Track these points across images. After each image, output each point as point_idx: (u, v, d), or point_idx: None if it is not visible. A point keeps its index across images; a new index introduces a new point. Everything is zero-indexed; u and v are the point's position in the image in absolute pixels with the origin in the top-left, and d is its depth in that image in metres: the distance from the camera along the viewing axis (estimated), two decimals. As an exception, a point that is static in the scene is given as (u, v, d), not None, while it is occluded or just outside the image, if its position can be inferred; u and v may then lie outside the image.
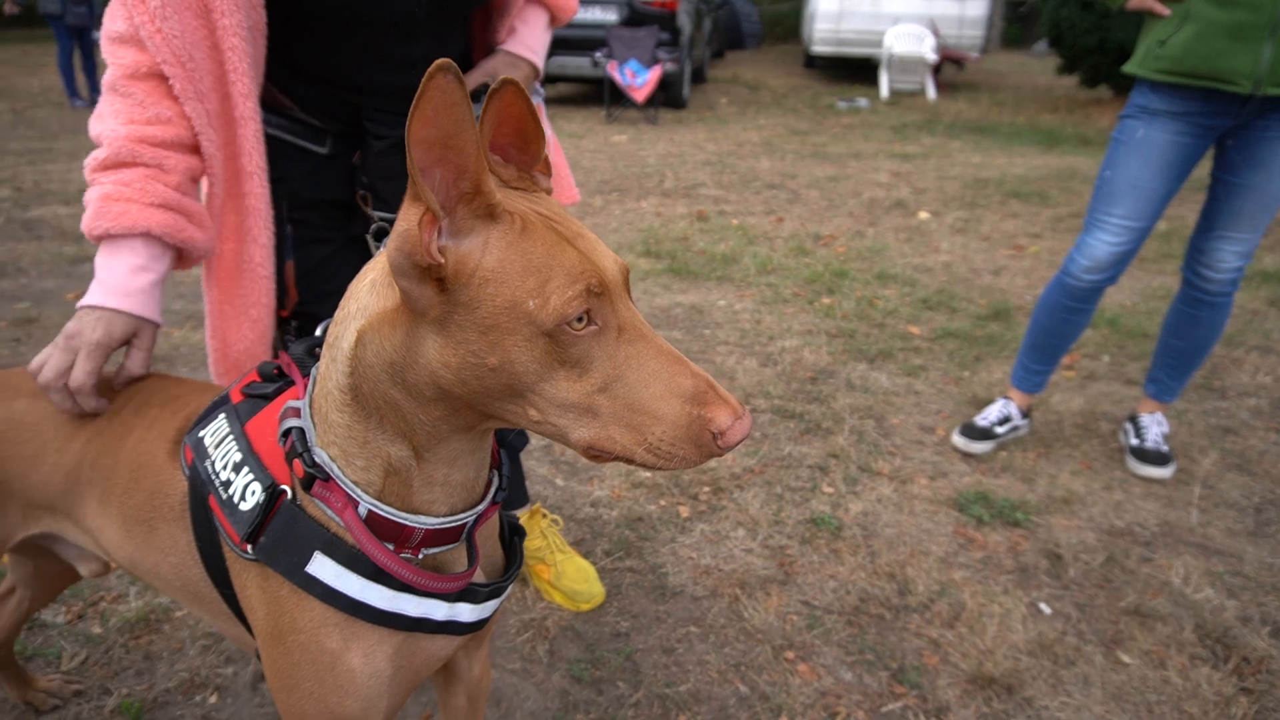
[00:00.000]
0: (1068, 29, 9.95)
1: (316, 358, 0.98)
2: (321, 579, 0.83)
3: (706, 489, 2.40)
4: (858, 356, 3.32)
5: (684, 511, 2.29)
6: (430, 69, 0.60)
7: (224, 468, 0.89)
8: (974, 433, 2.65)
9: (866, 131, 8.90)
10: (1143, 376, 3.15)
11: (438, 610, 0.88)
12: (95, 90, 9.14)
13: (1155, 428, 2.59)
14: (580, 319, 0.69)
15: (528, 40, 1.38)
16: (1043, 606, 1.97)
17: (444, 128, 0.62)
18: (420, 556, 0.85)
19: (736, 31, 18.36)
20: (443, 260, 0.68)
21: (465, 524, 0.86)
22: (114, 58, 1.08)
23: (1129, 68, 2.27)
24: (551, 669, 1.75)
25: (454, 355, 0.70)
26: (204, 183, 1.19)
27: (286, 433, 0.85)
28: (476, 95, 1.31)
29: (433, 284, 0.69)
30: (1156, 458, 2.51)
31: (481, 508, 0.88)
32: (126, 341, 1.07)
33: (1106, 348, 3.45)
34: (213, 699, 1.66)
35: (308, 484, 0.83)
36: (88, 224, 1.07)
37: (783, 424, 2.77)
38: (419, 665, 0.93)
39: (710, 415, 0.70)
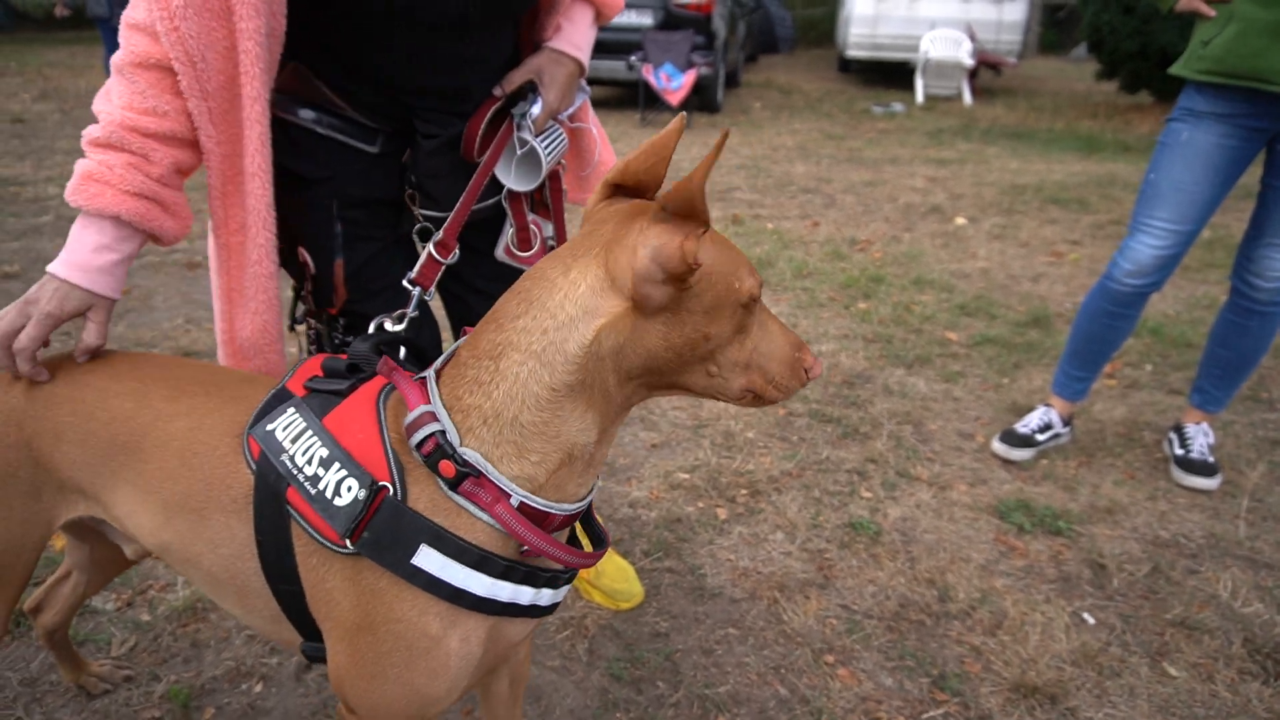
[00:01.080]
0: (1109, 34, 9.83)
1: (380, 354, 1.01)
2: (427, 569, 0.87)
3: (744, 491, 2.39)
4: (895, 362, 3.30)
5: (722, 513, 2.29)
6: (723, 133, 0.80)
7: (308, 462, 0.90)
8: (1014, 439, 2.63)
9: (902, 136, 8.84)
10: (1186, 386, 3.11)
11: (524, 595, 0.92)
12: (140, 91, 9.32)
13: (1201, 438, 2.55)
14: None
15: (573, 38, 1.39)
16: (1086, 616, 1.94)
17: (705, 172, 0.79)
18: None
19: (770, 35, 18.32)
20: (700, 264, 0.83)
21: (583, 509, 0.95)
22: (127, 42, 1.10)
23: (1174, 69, 2.24)
24: (591, 667, 1.76)
25: (679, 335, 0.87)
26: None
27: (425, 439, 0.88)
28: (523, 93, 1.33)
29: (675, 285, 0.83)
30: (1203, 468, 2.47)
31: (591, 495, 0.97)
32: (80, 314, 1.09)
33: (1149, 357, 3.40)
34: (258, 688, 1.69)
35: (455, 483, 0.87)
36: (68, 193, 1.09)
37: (820, 428, 2.76)
38: (501, 648, 0.98)
39: (803, 356, 0.96)
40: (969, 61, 11.55)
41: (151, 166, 1.10)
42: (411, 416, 0.89)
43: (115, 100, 1.09)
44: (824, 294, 4.04)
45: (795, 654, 1.81)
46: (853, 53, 13.00)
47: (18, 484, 1.08)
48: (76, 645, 1.75)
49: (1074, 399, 2.67)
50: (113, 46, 8.92)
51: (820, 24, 21.29)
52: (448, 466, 0.87)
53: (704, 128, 9.04)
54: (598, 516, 1.06)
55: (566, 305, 0.85)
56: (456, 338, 1.62)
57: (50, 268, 1.08)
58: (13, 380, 1.09)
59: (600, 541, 1.04)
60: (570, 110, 1.43)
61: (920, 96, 11.61)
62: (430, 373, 0.94)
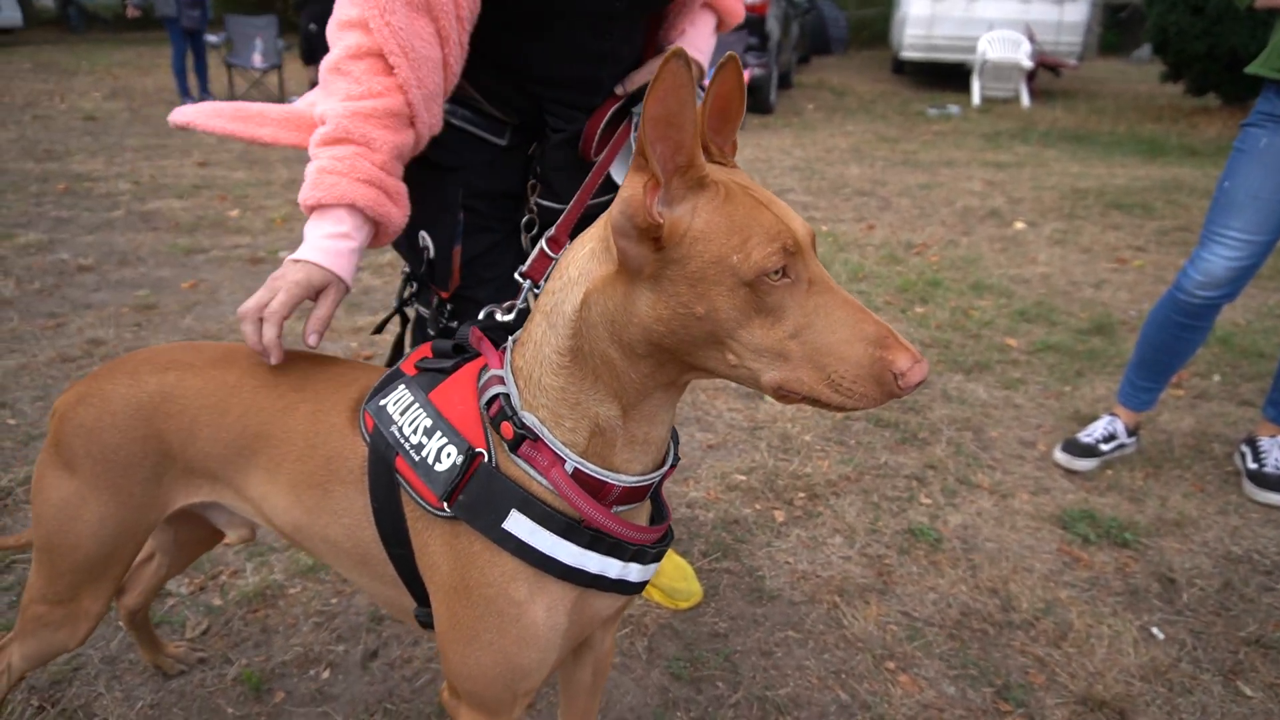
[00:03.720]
0: (1175, 35, 9.58)
1: (491, 337, 1.04)
2: (516, 534, 0.89)
3: (802, 494, 2.38)
4: (954, 367, 3.26)
5: (779, 516, 2.29)
6: (666, 54, 0.67)
7: (413, 432, 0.95)
8: (1078, 449, 2.58)
9: (958, 139, 8.71)
10: (1257, 397, 3.02)
11: (612, 568, 0.94)
12: (205, 90, 9.58)
13: (1276, 452, 2.47)
14: (777, 272, 0.77)
15: (696, 42, 1.41)
16: (1155, 631, 1.90)
17: (670, 107, 0.71)
18: (613, 512, 0.93)
19: (823, 36, 18.16)
20: (661, 221, 0.77)
21: (653, 483, 0.94)
22: (338, 40, 1.15)
23: (1252, 68, 2.17)
24: (650, 665, 1.77)
25: (665, 307, 0.79)
26: None
27: (492, 400, 0.91)
28: (643, 93, 1.34)
29: (650, 244, 0.78)
30: (1278, 483, 2.39)
31: (666, 468, 0.97)
32: (319, 292, 1.13)
33: (1218, 366, 3.31)
34: (325, 674, 1.73)
35: (515, 445, 0.89)
36: (303, 195, 1.13)
37: (878, 432, 2.74)
38: (586, 622, 1.00)
39: (892, 357, 0.77)
40: (1028, 63, 11.34)
41: (375, 154, 1.14)
42: (482, 380, 0.93)
43: (333, 98, 1.15)
44: (880, 298, 4.00)
45: (855, 659, 1.80)
46: (908, 54, 12.84)
47: (140, 472, 1.13)
48: (153, 627, 1.81)
49: (1140, 409, 2.61)
50: (180, 46, 9.17)
51: (873, 24, 21.05)
52: (507, 428, 0.90)
53: (756, 129, 9.01)
54: (664, 497, 1.06)
55: (570, 268, 0.86)
56: None
57: (291, 256, 1.13)
58: (147, 375, 1.13)
59: (661, 518, 1.04)
60: None
61: (977, 98, 11.42)
62: (510, 340, 0.97)
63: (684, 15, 1.38)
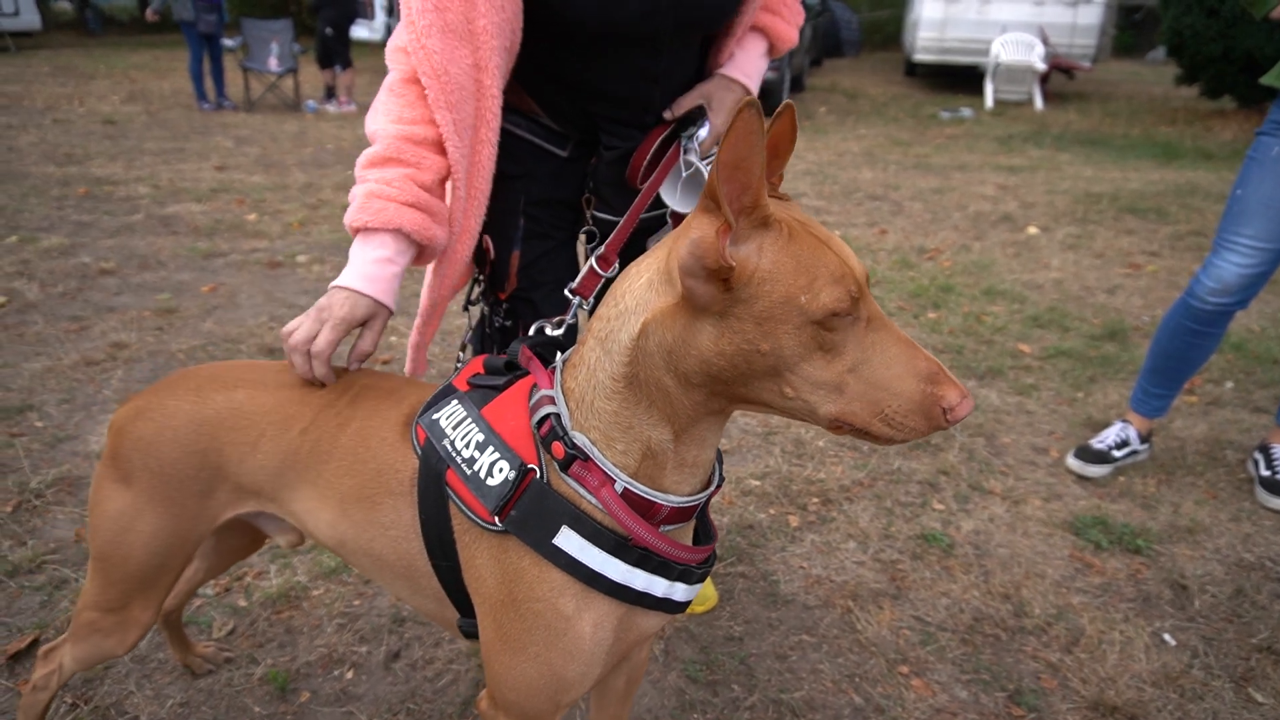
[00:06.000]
0: (1190, 37, 9.54)
1: (538, 353, 1.07)
2: (567, 550, 0.92)
3: (815, 500, 2.41)
4: (966, 373, 3.27)
5: (793, 521, 2.31)
6: (740, 104, 0.71)
7: (466, 446, 0.97)
8: (1090, 455, 2.59)
9: (971, 142, 8.71)
10: (1271, 404, 3.02)
11: (658, 586, 0.96)
12: (221, 94, 9.66)
13: (1289, 459, 2.48)
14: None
15: (744, 66, 1.44)
16: (1167, 637, 1.92)
17: (740, 154, 0.73)
18: (660, 531, 0.95)
19: (835, 39, 18.15)
20: (734, 264, 0.78)
21: (700, 503, 0.96)
22: (394, 64, 1.19)
23: (1267, 79, 2.19)
24: (667, 668, 1.80)
25: (729, 343, 0.82)
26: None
27: (544, 419, 0.93)
28: (693, 118, 1.37)
29: (718, 284, 0.79)
30: (1291, 490, 2.41)
31: (712, 488, 0.99)
32: (364, 322, 1.18)
33: (1231, 373, 3.31)
34: (349, 675, 1.76)
35: (566, 464, 0.91)
36: (350, 218, 1.17)
37: (890, 438, 2.76)
38: (631, 639, 1.02)
39: (942, 393, 0.81)
40: (1041, 66, 11.32)
41: (423, 175, 1.18)
42: (534, 400, 0.96)
43: (385, 117, 1.18)
44: (893, 303, 4.02)
45: (869, 663, 1.83)
46: (920, 56, 12.83)
47: (195, 484, 1.16)
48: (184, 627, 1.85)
49: (1153, 416, 2.62)
50: (196, 50, 9.26)
51: (886, 26, 21.03)
52: (558, 448, 0.92)
53: (768, 132, 9.01)
54: (710, 517, 1.09)
55: (626, 296, 0.88)
56: None
57: (337, 281, 1.17)
58: (213, 392, 1.17)
59: (708, 537, 1.07)
60: None
61: (990, 101, 11.41)
62: (559, 360, 0.99)
63: (733, 38, 1.41)
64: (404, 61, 1.18)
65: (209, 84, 9.60)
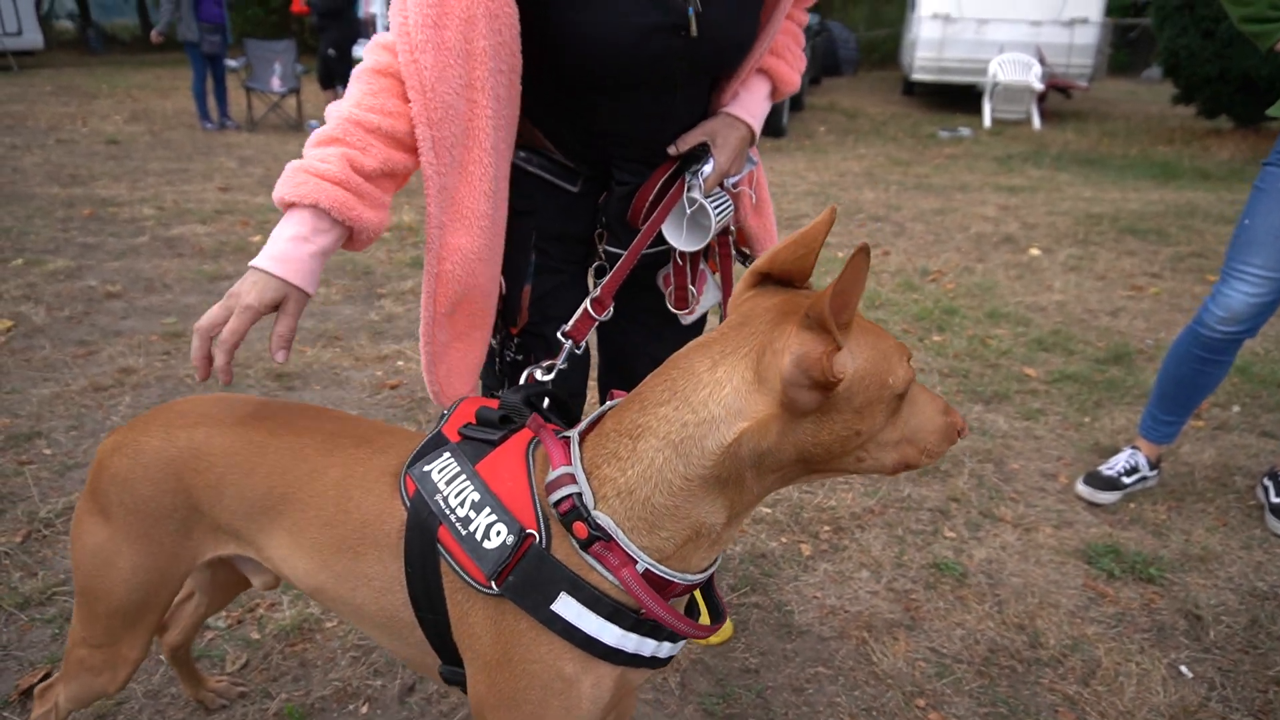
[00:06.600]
0: (1186, 58, 9.63)
1: (532, 406, 1.06)
2: (564, 617, 0.92)
3: (827, 528, 2.41)
4: (973, 397, 3.28)
5: (805, 550, 2.31)
6: (857, 248, 0.79)
7: (460, 504, 0.96)
8: (1099, 482, 2.59)
9: (970, 162, 8.75)
10: (1278, 428, 3.03)
11: (648, 647, 0.96)
12: (225, 114, 9.70)
13: (1299, 486, 2.49)
14: None
15: (749, 106, 1.44)
16: (1183, 669, 1.91)
17: (849, 284, 0.80)
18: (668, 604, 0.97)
19: (833, 58, 18.29)
20: (843, 378, 0.85)
21: (709, 575, 0.98)
22: (372, 55, 1.17)
23: (1274, 110, 2.21)
24: (684, 701, 1.79)
25: (828, 434, 0.89)
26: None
27: (565, 497, 0.93)
28: (696, 155, 1.38)
29: (822, 391, 0.85)
30: (1302, 518, 2.41)
31: (718, 560, 1.00)
32: (276, 306, 1.12)
33: (1237, 397, 3.32)
34: (364, 709, 1.76)
35: (587, 544, 0.91)
36: (276, 191, 1.13)
37: (900, 464, 2.76)
38: (622, 693, 1.03)
39: (954, 420, 0.99)
40: (1039, 85, 11.40)
41: (365, 160, 1.14)
42: (553, 476, 0.94)
43: (346, 101, 1.16)
44: (897, 326, 4.03)
45: (886, 696, 1.82)
46: (918, 76, 12.93)
47: (171, 524, 1.16)
48: (194, 661, 1.84)
49: (1162, 442, 2.63)
50: (200, 70, 9.31)
51: (883, 45, 21.19)
52: (581, 528, 0.91)
53: (770, 153, 9.07)
54: (718, 590, 1.10)
55: (710, 403, 0.88)
56: (603, 384, 1.68)
57: (252, 261, 1.13)
58: (179, 429, 1.16)
59: (718, 614, 1.07)
60: (737, 178, 1.47)
61: (988, 121, 11.48)
62: (574, 434, 0.98)
63: (737, 79, 1.42)
64: (381, 55, 1.16)
65: (212, 104, 9.64)
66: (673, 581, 0.93)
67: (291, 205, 1.12)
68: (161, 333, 3.68)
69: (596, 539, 0.91)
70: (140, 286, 4.27)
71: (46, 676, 1.79)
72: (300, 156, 1.16)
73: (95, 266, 4.54)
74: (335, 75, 10.03)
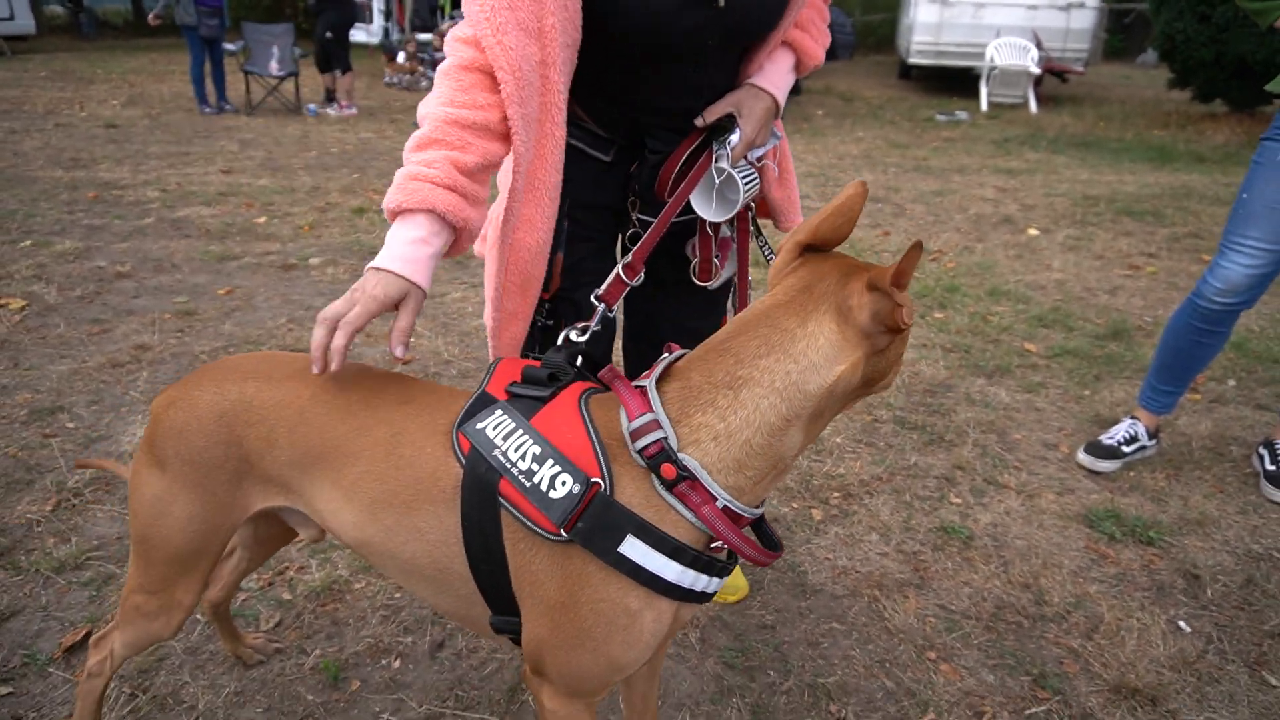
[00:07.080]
0: (1182, 42, 9.67)
1: (573, 364, 1.14)
2: (631, 557, 0.99)
3: (837, 494, 2.48)
4: (975, 372, 3.35)
5: (816, 514, 2.38)
6: (913, 245, 0.91)
7: (521, 458, 1.02)
8: (1100, 451, 2.67)
9: (968, 145, 8.81)
10: (1273, 401, 3.11)
11: (700, 582, 1.03)
12: (223, 98, 9.69)
13: (1293, 453, 2.56)
14: None
15: (774, 78, 1.48)
16: (1182, 624, 1.99)
17: (909, 267, 0.93)
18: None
19: (830, 42, 18.22)
20: (910, 321, 0.99)
21: (762, 512, 1.08)
22: (453, 52, 1.23)
23: (1273, 86, 2.26)
24: (704, 655, 1.86)
25: (886, 362, 1.04)
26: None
27: (652, 441, 1.00)
28: (723, 126, 1.43)
29: (892, 334, 1.00)
30: (1295, 483, 2.48)
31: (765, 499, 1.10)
32: (398, 304, 1.18)
33: (1233, 371, 3.40)
34: (396, 664, 1.82)
35: (672, 484, 0.99)
36: (388, 200, 1.19)
37: (906, 435, 2.83)
38: (676, 627, 1.10)
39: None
40: (1035, 69, 11.44)
41: (466, 158, 1.19)
42: (637, 423, 1.00)
43: (436, 100, 1.22)
44: (900, 303, 4.08)
45: (898, 649, 1.89)
46: (915, 60, 12.95)
47: (223, 474, 1.21)
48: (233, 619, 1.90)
49: (1161, 412, 2.70)
50: (198, 54, 9.29)
51: (879, 29, 21.16)
52: (669, 469, 0.98)
53: (767, 135, 9.08)
54: (770, 525, 1.18)
55: (810, 353, 0.99)
56: (627, 350, 1.77)
57: (372, 263, 1.19)
58: (231, 383, 1.22)
59: (775, 545, 1.15)
60: (762, 150, 1.52)
61: (985, 104, 11.52)
62: (650, 384, 1.04)
63: (764, 51, 1.46)
64: (464, 50, 1.21)
65: (210, 87, 9.62)
66: (742, 515, 1.02)
67: (405, 211, 1.18)
68: (174, 311, 3.72)
69: (684, 478, 0.99)
70: (149, 267, 4.31)
71: (88, 636, 1.85)
72: (404, 159, 1.21)
73: (103, 248, 4.57)
74: (333, 59, 10.01)
